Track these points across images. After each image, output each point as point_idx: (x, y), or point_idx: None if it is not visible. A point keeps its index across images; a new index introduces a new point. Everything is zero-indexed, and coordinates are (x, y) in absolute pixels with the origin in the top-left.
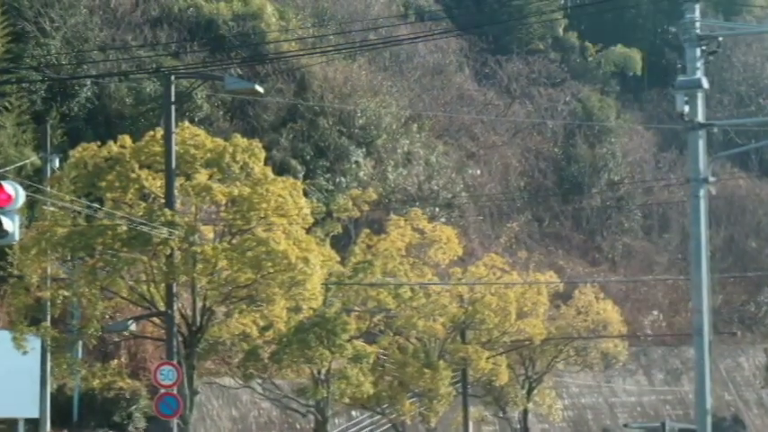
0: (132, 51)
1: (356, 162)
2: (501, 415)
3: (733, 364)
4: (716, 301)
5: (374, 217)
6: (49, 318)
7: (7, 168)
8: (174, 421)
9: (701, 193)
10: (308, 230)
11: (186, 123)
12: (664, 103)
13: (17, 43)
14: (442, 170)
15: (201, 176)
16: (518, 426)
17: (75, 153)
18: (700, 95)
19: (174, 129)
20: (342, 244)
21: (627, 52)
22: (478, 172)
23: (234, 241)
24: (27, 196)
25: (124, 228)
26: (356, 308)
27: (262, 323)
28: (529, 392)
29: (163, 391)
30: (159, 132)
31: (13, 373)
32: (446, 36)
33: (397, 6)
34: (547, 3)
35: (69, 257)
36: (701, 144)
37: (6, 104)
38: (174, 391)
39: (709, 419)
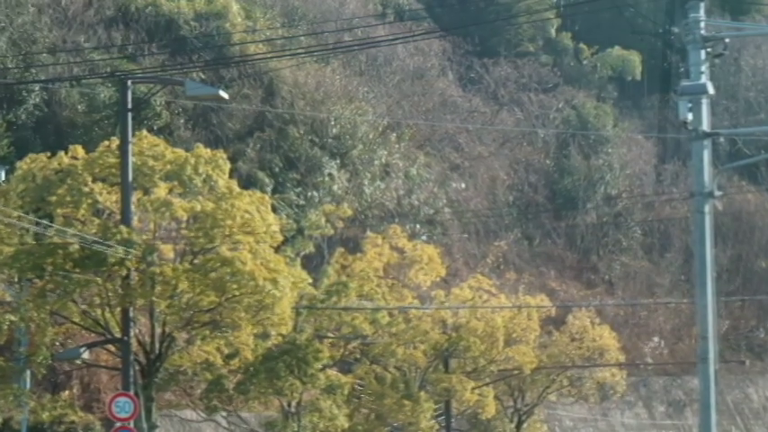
0: (85, 54)
1: (329, 175)
2: None
3: (741, 396)
4: (722, 326)
5: (349, 235)
6: None
7: None
8: None
9: (706, 208)
10: (277, 249)
11: (144, 132)
12: (665, 110)
13: None
14: (423, 183)
15: (161, 190)
16: None
17: (22, 165)
18: (704, 102)
19: (130, 138)
20: (314, 264)
21: (625, 55)
22: (463, 185)
23: (196, 261)
24: None
25: (76, 246)
26: (329, 334)
27: (226, 350)
28: (518, 426)
29: (118, 424)
30: (115, 142)
31: None
32: (428, 37)
33: (374, 5)
34: (538, 1)
35: (16, 279)
36: (706, 155)
37: None
38: (131, 425)
39: None
